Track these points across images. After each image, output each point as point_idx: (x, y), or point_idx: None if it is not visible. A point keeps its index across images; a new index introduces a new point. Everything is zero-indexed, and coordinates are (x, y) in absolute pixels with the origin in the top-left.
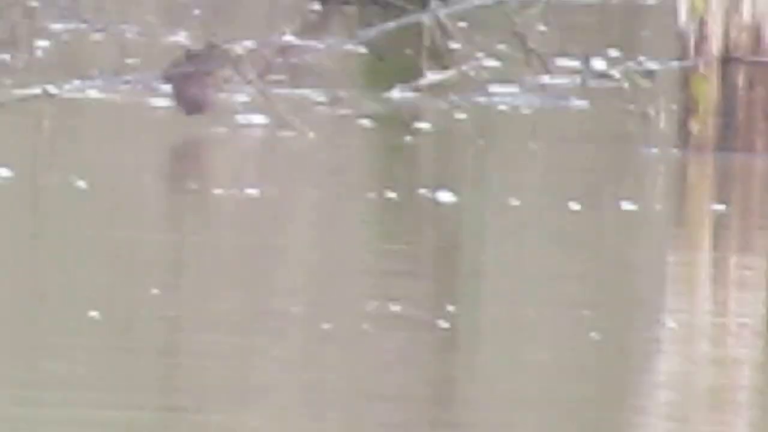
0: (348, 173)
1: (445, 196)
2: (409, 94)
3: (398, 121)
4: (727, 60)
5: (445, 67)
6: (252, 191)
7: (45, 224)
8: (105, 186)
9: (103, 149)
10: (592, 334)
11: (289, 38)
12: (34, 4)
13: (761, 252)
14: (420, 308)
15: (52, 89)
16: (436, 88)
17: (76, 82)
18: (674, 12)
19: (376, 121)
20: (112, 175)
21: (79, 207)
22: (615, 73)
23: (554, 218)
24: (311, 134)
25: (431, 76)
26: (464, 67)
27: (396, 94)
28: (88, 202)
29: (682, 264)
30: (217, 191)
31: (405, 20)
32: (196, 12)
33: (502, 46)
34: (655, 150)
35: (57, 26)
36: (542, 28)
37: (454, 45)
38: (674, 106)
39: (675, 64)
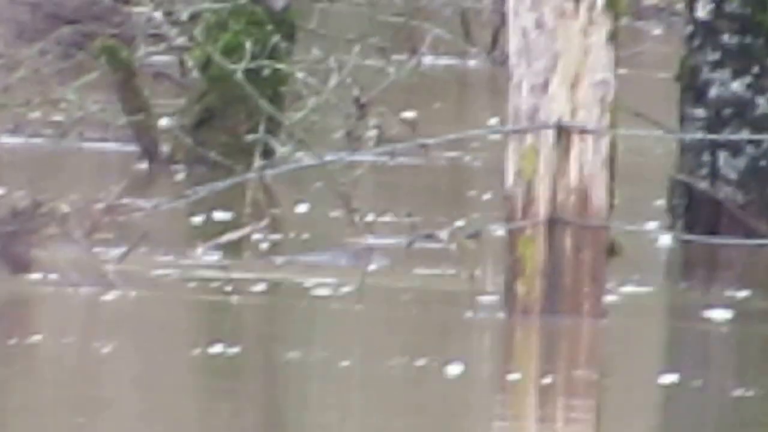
0: (173, 330)
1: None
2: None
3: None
4: (554, 222)
5: (268, 227)
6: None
7: None
8: None
9: None
10: None
11: (116, 197)
12: None
13: (584, 421)
14: None
15: None
16: (262, 250)
17: None
18: (501, 173)
19: (204, 282)
20: None
21: None
22: (441, 234)
23: (377, 378)
24: (133, 293)
25: (229, 235)
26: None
27: (199, 252)
28: None
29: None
30: (36, 339)
31: (231, 181)
32: (22, 169)
33: (325, 207)
34: (481, 313)
35: None
36: (366, 188)
37: (277, 204)
38: (501, 268)
39: (502, 225)
